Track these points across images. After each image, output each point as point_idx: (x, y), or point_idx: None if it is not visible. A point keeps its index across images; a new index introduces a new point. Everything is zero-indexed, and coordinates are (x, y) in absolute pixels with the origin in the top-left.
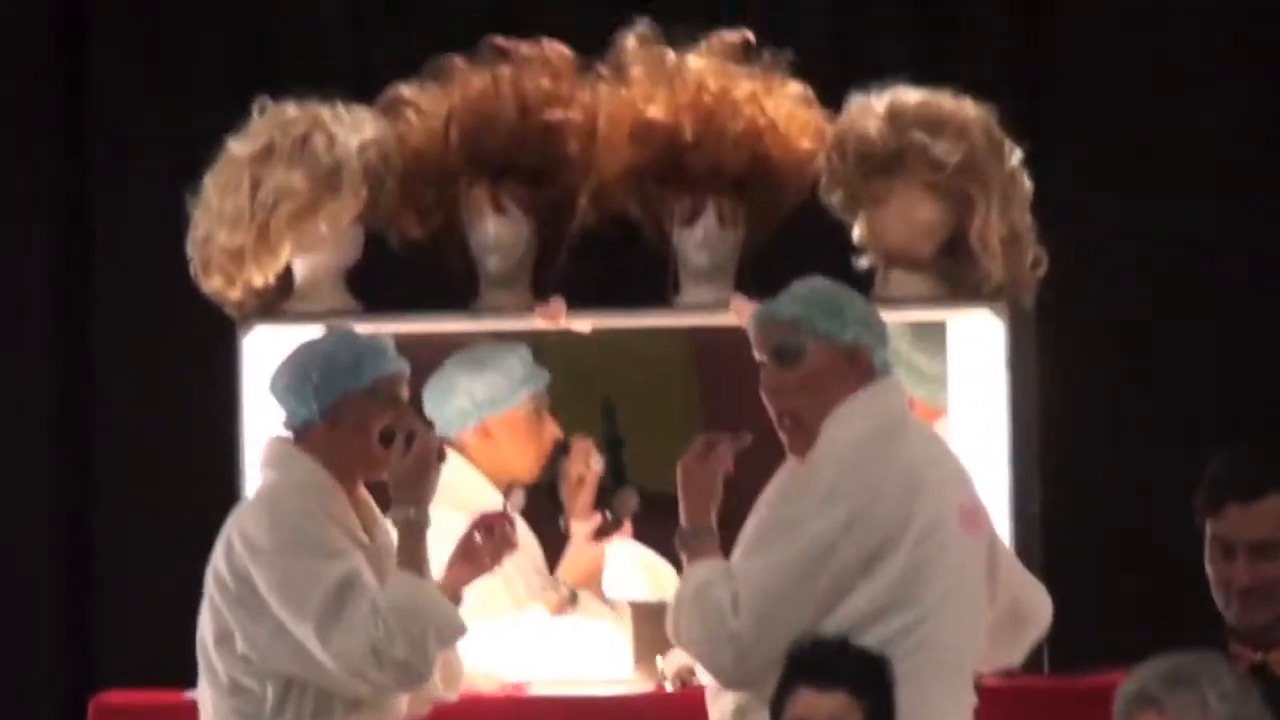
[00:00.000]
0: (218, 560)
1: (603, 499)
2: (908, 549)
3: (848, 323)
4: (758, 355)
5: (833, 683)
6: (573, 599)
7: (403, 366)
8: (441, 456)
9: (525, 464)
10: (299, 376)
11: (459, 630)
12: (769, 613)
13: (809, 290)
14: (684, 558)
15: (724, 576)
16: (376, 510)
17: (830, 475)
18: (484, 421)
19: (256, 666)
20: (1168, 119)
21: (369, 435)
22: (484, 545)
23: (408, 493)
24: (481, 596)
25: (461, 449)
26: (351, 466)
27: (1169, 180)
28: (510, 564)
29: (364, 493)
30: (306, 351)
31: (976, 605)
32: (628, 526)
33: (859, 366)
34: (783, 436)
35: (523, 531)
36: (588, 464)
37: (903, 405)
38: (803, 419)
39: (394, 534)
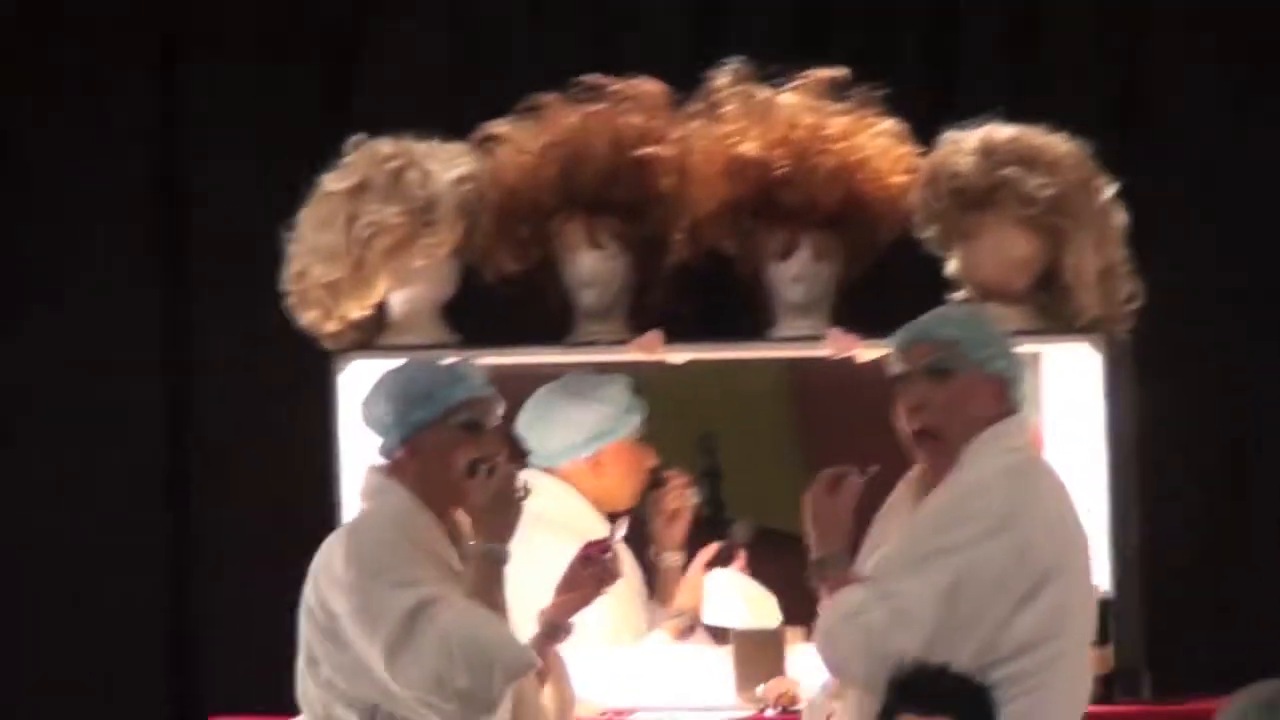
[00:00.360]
0: (307, 590)
1: (713, 529)
2: (1063, 583)
3: (999, 353)
4: (901, 369)
5: (936, 709)
6: (692, 627)
7: (482, 392)
8: (524, 492)
9: (627, 493)
10: (379, 406)
11: (526, 665)
12: (936, 637)
13: (967, 315)
14: (819, 587)
15: (876, 599)
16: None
17: (996, 503)
18: (598, 452)
19: (343, 694)
20: (1261, 149)
21: (449, 464)
22: (589, 574)
23: (486, 526)
24: (595, 624)
25: (568, 478)
26: (439, 495)
27: (1264, 210)
28: (624, 591)
29: (463, 519)
30: (385, 381)
31: (1086, 655)
32: (741, 556)
33: (1000, 398)
34: (914, 452)
35: (628, 560)
36: (684, 498)
37: (1025, 443)
38: (943, 436)
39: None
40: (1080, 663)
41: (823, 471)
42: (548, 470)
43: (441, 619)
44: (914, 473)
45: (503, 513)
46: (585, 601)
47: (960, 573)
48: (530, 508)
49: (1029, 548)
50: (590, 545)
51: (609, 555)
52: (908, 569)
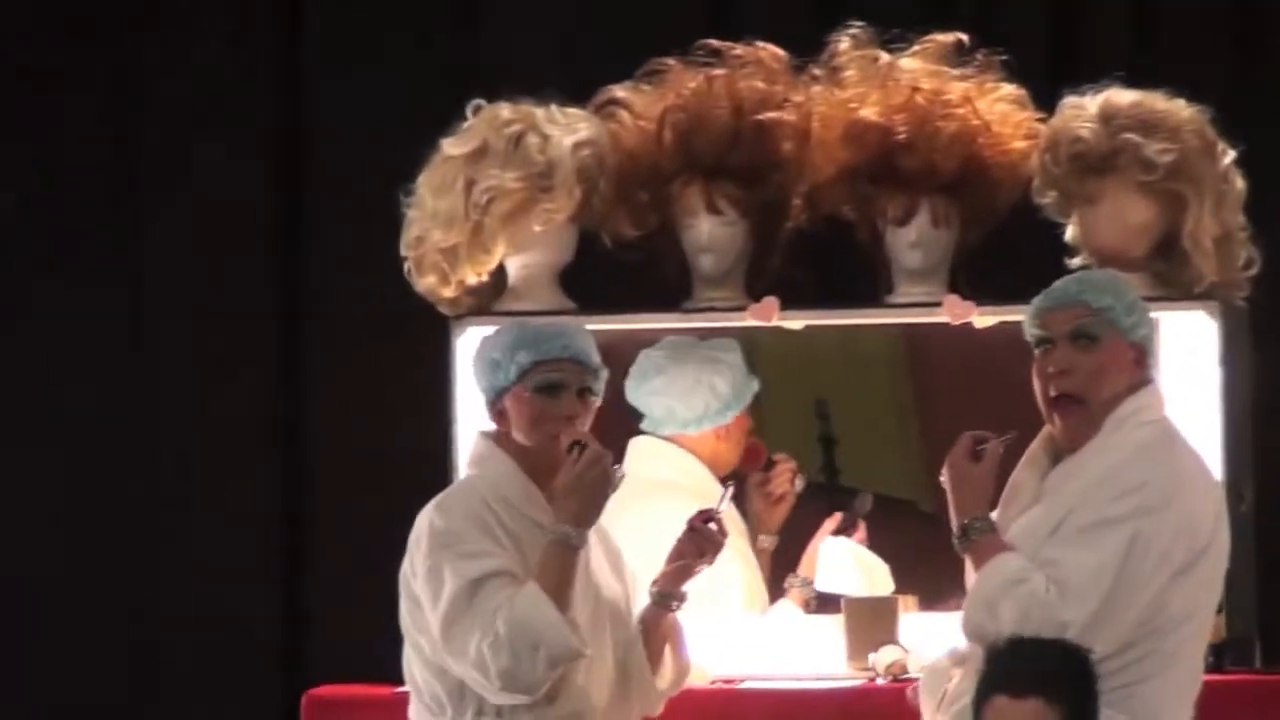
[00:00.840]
0: (405, 557)
1: (828, 496)
2: (1214, 556)
3: (1141, 321)
4: (1044, 333)
5: (1027, 690)
6: (818, 595)
7: (557, 353)
8: (616, 483)
9: (736, 458)
10: (473, 371)
11: (571, 653)
12: (1102, 611)
13: (1112, 281)
14: (967, 553)
15: (1034, 568)
16: None
17: (1158, 476)
18: (733, 418)
19: (429, 661)
20: None
21: (536, 430)
22: (695, 543)
23: (565, 509)
24: (727, 593)
25: (690, 446)
26: (534, 461)
27: None
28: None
29: None
30: (478, 346)
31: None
32: (861, 528)
33: (1140, 365)
34: (1053, 418)
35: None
36: (792, 483)
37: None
38: (1087, 401)
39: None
40: (1207, 633)
41: (963, 436)
42: (670, 438)
43: (498, 596)
44: (1043, 437)
45: (584, 498)
46: (692, 570)
47: (1123, 545)
48: (656, 475)
49: (1190, 520)
50: (697, 515)
51: (714, 524)
52: (1070, 540)
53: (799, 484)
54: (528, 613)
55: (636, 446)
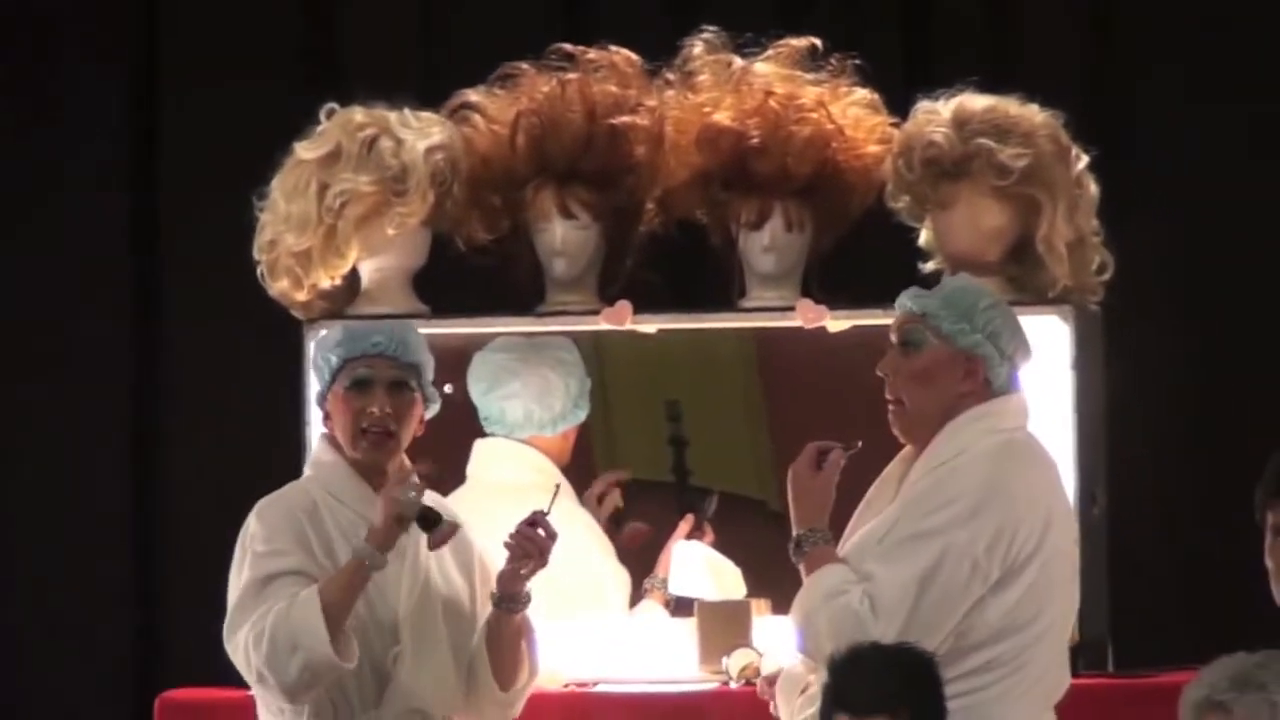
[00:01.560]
0: None
1: (679, 498)
2: (1036, 571)
3: (972, 330)
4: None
5: (869, 709)
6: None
7: (368, 347)
8: (447, 529)
9: (568, 459)
10: None
11: (327, 664)
12: (912, 623)
13: (952, 290)
14: (801, 564)
15: (854, 581)
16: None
17: (973, 488)
18: (579, 420)
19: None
20: (1233, 120)
21: (346, 428)
22: (528, 544)
23: (374, 529)
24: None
25: (543, 448)
26: (361, 460)
27: (1235, 183)
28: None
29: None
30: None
31: (1067, 636)
32: (709, 530)
33: (973, 377)
34: (890, 417)
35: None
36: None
37: (1027, 425)
38: (907, 406)
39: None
40: (1062, 641)
41: (807, 446)
42: (524, 441)
43: (281, 594)
44: (906, 450)
45: (391, 525)
46: (522, 572)
47: (935, 559)
48: (518, 479)
49: (1003, 531)
50: (525, 518)
51: (541, 527)
52: (886, 554)
53: (619, 500)
54: (295, 616)
55: (492, 449)
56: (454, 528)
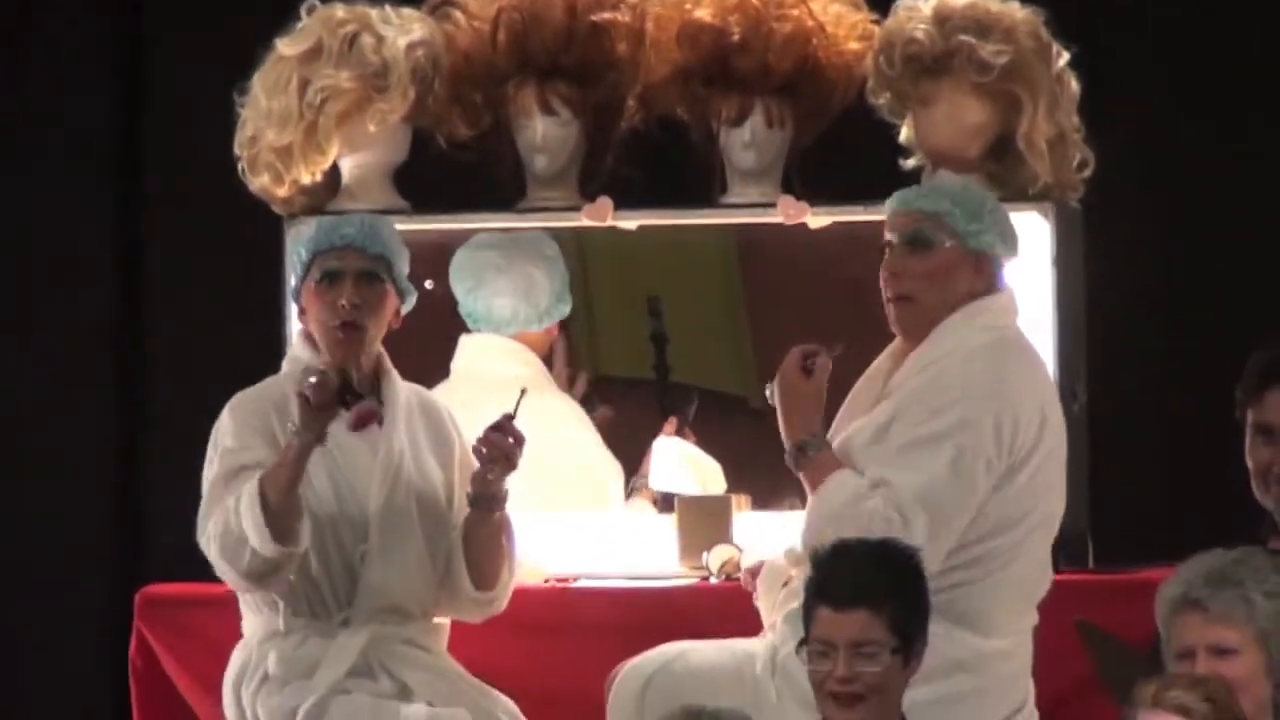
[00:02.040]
0: None
1: (660, 394)
2: (1034, 466)
3: (985, 229)
4: (887, 236)
5: (853, 602)
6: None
7: (336, 240)
8: (363, 412)
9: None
10: None
11: (277, 554)
12: (937, 525)
13: (958, 189)
14: (802, 471)
15: (869, 488)
16: (396, 400)
17: (974, 387)
18: (563, 314)
19: None
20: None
21: (319, 320)
22: (497, 446)
23: (300, 413)
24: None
25: (530, 342)
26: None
27: (1219, 80)
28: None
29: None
30: None
31: (1053, 534)
32: (690, 434)
33: (983, 273)
34: (891, 315)
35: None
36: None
37: (1016, 322)
38: (920, 303)
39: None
40: (1048, 539)
41: (791, 351)
42: (516, 336)
43: (239, 490)
44: (893, 346)
45: (307, 410)
46: (489, 476)
47: (949, 461)
48: (515, 372)
49: (1003, 428)
50: (494, 422)
51: (509, 428)
52: (899, 459)
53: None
54: (242, 509)
55: (479, 344)
56: (371, 409)
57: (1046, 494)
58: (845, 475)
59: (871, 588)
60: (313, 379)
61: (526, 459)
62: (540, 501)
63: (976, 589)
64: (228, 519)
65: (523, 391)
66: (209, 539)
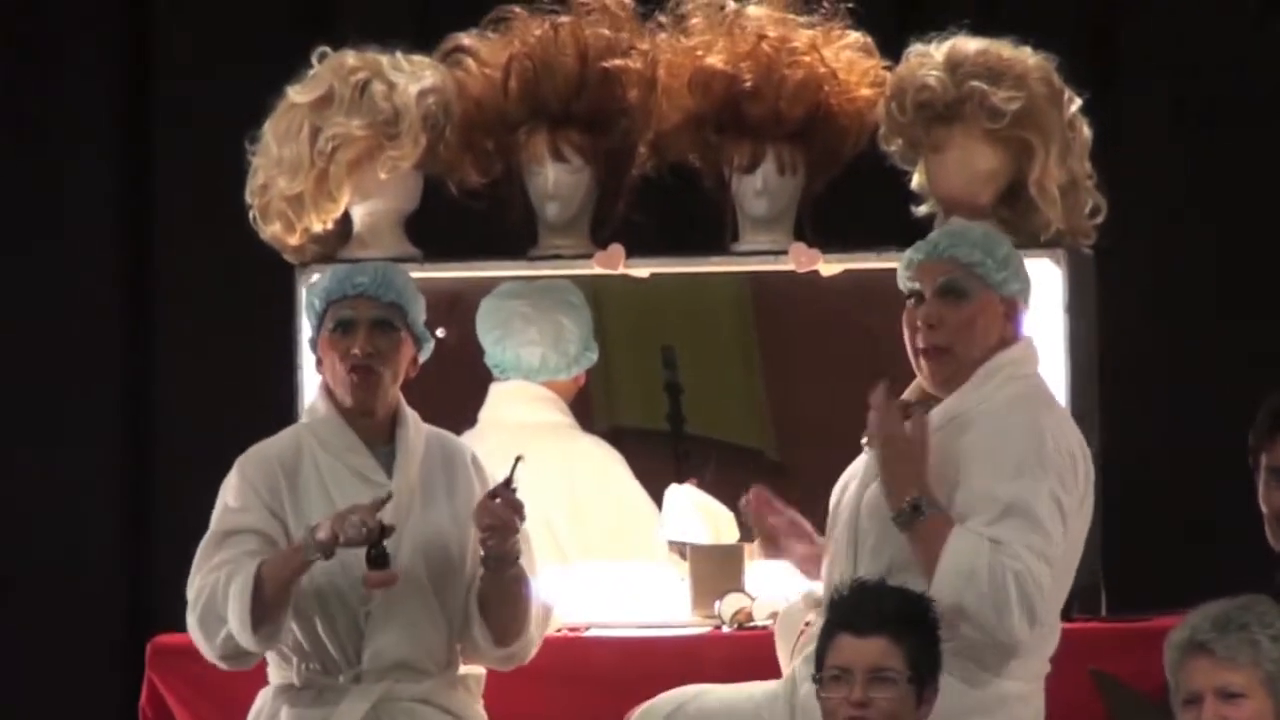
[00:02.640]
0: None
1: (679, 445)
2: (1086, 510)
3: (1012, 276)
4: (914, 286)
5: (874, 629)
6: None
7: (349, 289)
8: (376, 533)
9: None
10: None
11: (242, 649)
12: (1047, 590)
13: (983, 237)
14: (912, 528)
15: (997, 548)
16: (408, 450)
17: (1046, 435)
18: (591, 363)
19: None
20: (1229, 63)
21: (333, 369)
22: (500, 510)
23: (322, 539)
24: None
25: (559, 390)
26: (348, 407)
27: (1230, 127)
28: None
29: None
30: None
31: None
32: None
33: (1011, 320)
34: (920, 365)
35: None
36: None
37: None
38: (956, 354)
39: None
40: (1066, 588)
41: (889, 403)
42: (546, 383)
43: (234, 552)
44: (912, 389)
45: (339, 523)
46: (489, 542)
47: (1052, 515)
48: (551, 418)
49: (1067, 483)
50: (495, 487)
51: (503, 495)
52: (1005, 520)
53: None
54: (231, 593)
55: (512, 392)
56: (393, 577)
57: (1079, 545)
58: (970, 534)
59: (893, 617)
60: (355, 518)
61: (567, 506)
62: (582, 549)
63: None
64: (214, 592)
65: (517, 460)
66: (190, 603)
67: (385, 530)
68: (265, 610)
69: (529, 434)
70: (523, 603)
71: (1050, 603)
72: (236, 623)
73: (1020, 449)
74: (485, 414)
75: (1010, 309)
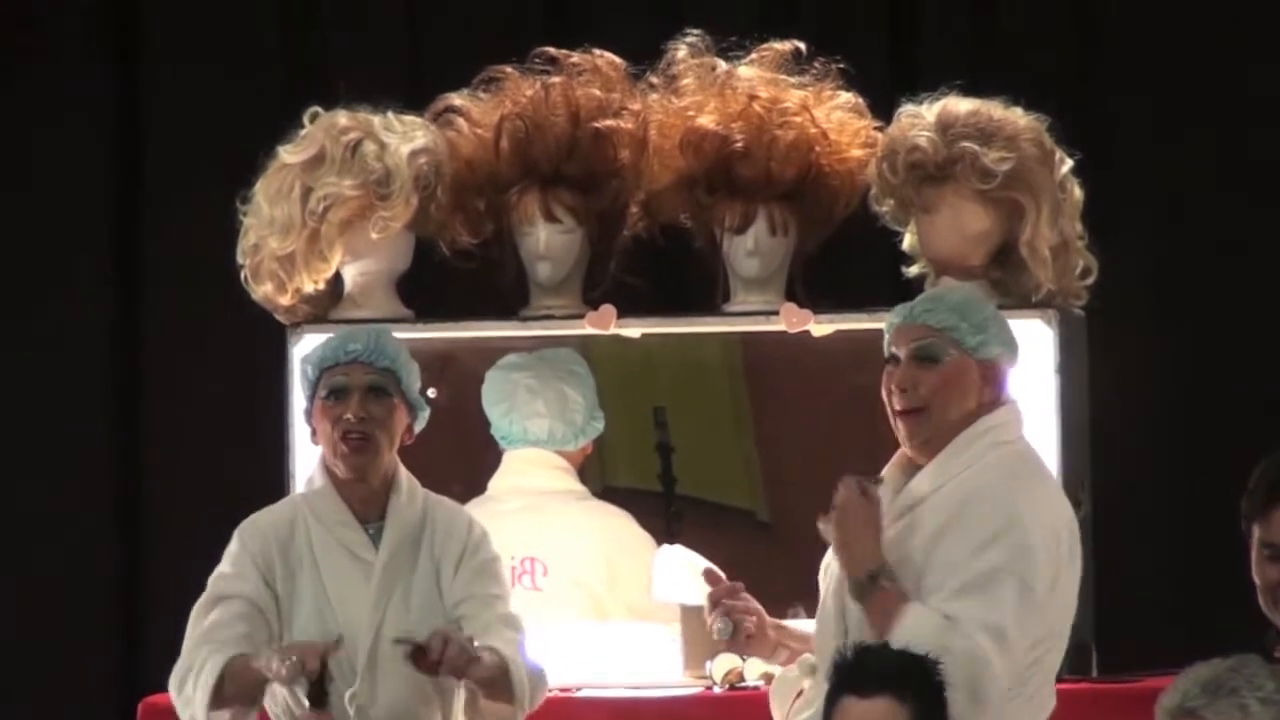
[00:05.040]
0: None
1: (671, 506)
2: (1069, 577)
3: (989, 340)
4: (891, 349)
5: (877, 689)
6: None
7: (341, 355)
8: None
9: None
10: None
11: None
12: (1010, 658)
13: (961, 301)
14: (867, 600)
15: (949, 626)
16: (398, 523)
17: (1021, 509)
18: (598, 432)
19: None
20: (1217, 123)
21: (325, 436)
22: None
23: (279, 657)
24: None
25: (570, 459)
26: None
27: (1224, 187)
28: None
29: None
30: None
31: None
32: None
33: (990, 382)
34: (900, 429)
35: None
36: None
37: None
38: (933, 413)
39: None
40: (1060, 654)
41: (846, 479)
42: (559, 451)
43: (222, 617)
44: (898, 458)
45: (282, 657)
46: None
47: (1017, 593)
48: (567, 486)
49: (1051, 546)
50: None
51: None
52: (963, 596)
53: None
54: (200, 679)
55: (530, 459)
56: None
57: (1069, 612)
58: (923, 610)
59: (897, 678)
60: (295, 658)
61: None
62: (626, 610)
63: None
64: (183, 673)
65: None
66: (176, 668)
67: (325, 672)
68: (224, 702)
69: (547, 499)
70: (503, 682)
71: (1045, 673)
72: (200, 708)
73: (990, 524)
74: (501, 481)
75: (989, 372)
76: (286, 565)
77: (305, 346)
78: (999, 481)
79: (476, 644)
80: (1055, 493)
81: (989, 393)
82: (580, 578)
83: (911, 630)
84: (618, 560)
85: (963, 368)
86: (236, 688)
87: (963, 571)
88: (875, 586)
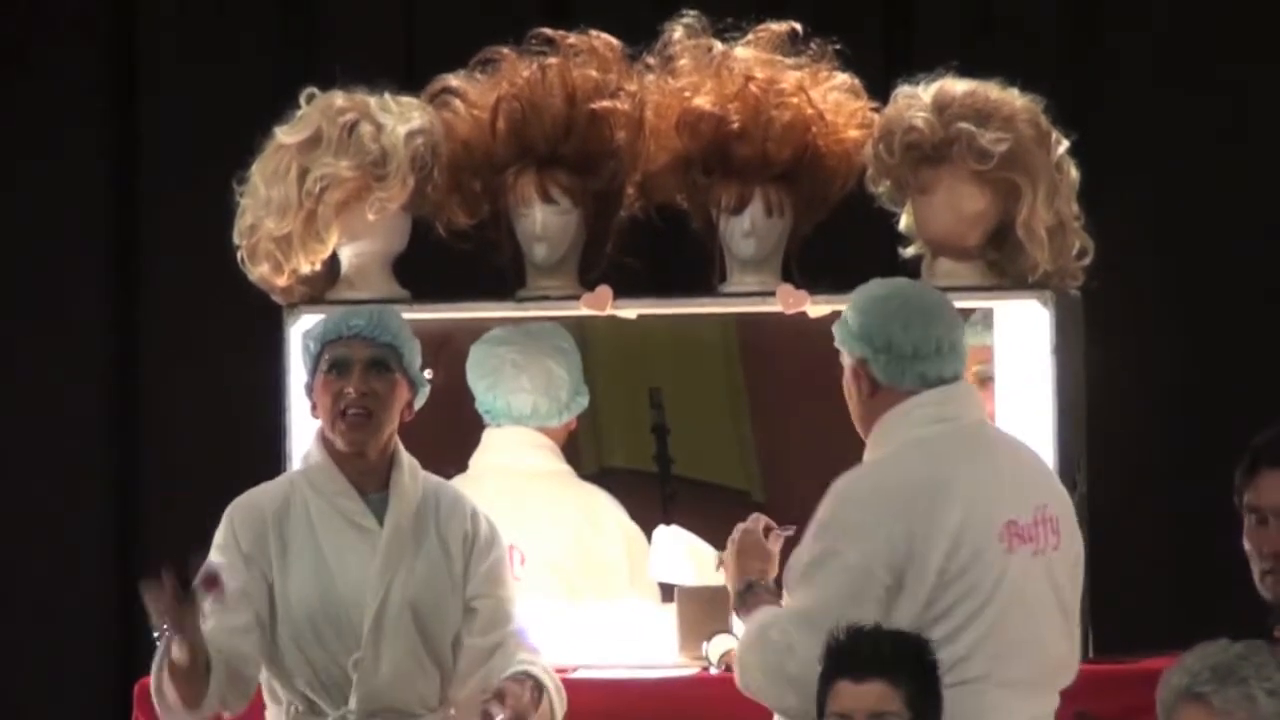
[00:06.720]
0: None
1: (666, 487)
2: (937, 565)
3: (847, 337)
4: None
5: (871, 673)
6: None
7: (344, 330)
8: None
9: None
10: None
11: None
12: (803, 652)
13: (854, 298)
14: (743, 609)
15: (777, 619)
16: (402, 495)
17: (853, 507)
18: (582, 408)
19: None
20: (1216, 103)
21: (326, 410)
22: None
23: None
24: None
25: (553, 435)
26: (340, 450)
27: (1222, 168)
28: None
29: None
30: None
31: (1028, 620)
32: None
33: (864, 380)
34: None
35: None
36: None
37: (931, 421)
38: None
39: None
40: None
41: (754, 515)
42: (538, 429)
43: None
44: None
45: (158, 615)
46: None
47: (836, 582)
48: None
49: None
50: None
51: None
52: (795, 586)
53: None
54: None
55: (511, 438)
56: (209, 575)
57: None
58: (766, 608)
59: (890, 661)
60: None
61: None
62: (599, 592)
63: (971, 688)
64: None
65: None
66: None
67: (178, 566)
68: (178, 686)
69: (526, 480)
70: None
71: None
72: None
73: (824, 517)
74: (481, 459)
75: (861, 370)
76: (281, 539)
77: (302, 327)
78: (850, 480)
79: (508, 673)
80: (935, 481)
81: (870, 389)
82: (555, 561)
83: (749, 624)
84: (590, 542)
85: (847, 369)
86: (177, 681)
87: (801, 559)
88: (750, 592)
